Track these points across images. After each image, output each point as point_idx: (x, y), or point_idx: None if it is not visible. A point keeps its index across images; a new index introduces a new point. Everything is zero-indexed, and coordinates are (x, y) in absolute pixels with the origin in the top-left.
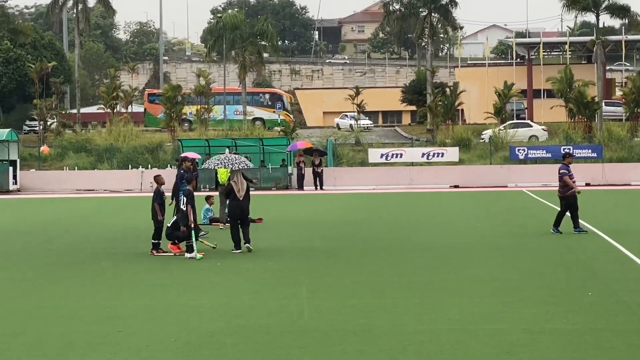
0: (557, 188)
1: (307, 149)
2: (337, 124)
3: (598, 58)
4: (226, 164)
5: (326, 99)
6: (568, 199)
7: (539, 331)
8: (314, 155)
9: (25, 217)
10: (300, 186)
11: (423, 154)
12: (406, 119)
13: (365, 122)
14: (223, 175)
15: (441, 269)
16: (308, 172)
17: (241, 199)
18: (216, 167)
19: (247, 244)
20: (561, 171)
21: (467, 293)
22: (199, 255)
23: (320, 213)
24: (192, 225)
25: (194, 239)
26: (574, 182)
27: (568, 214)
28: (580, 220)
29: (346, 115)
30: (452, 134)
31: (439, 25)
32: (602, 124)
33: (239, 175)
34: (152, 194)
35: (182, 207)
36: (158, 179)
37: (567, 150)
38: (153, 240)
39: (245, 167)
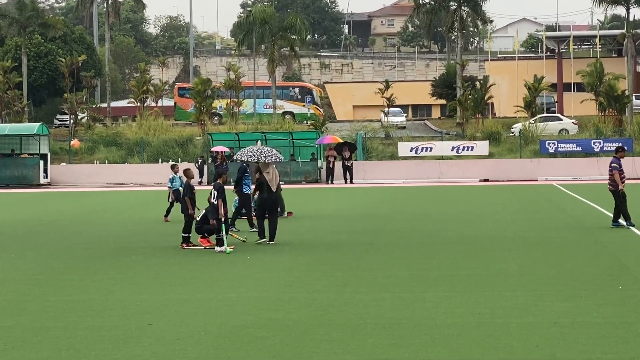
0: (587, 182)
1: (338, 144)
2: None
3: (628, 51)
4: (259, 157)
5: (356, 93)
6: (621, 193)
7: (569, 325)
8: (344, 149)
9: (55, 210)
10: (330, 180)
11: (453, 148)
12: (436, 113)
13: (398, 118)
14: None
15: (471, 263)
16: (338, 165)
17: (274, 190)
18: (249, 159)
19: (271, 241)
20: (612, 165)
21: (497, 286)
22: (228, 249)
23: (349, 206)
24: (223, 219)
25: (224, 232)
26: (623, 177)
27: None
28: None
29: (383, 111)
30: (482, 128)
31: (469, 19)
32: (632, 118)
33: (272, 167)
34: (181, 188)
35: (212, 200)
36: (187, 173)
37: (620, 144)
38: (183, 234)
39: (277, 160)
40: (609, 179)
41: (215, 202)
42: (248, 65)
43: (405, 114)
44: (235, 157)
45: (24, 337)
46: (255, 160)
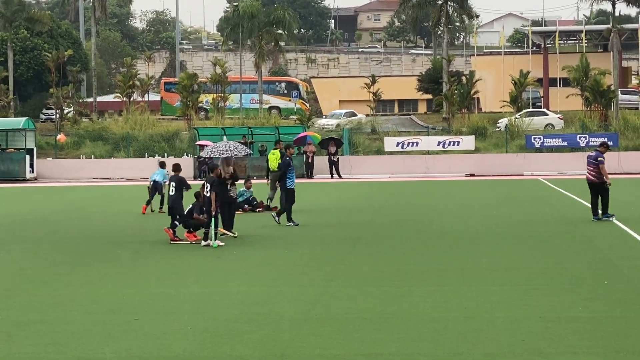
0: (573, 176)
1: (324, 139)
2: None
3: (614, 46)
4: (223, 152)
5: (342, 88)
6: (602, 186)
7: (555, 319)
8: (330, 144)
9: (41, 205)
10: (308, 175)
11: (439, 143)
12: (422, 108)
13: (333, 121)
14: (273, 163)
15: (458, 257)
16: (317, 160)
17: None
18: (215, 155)
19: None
20: (599, 158)
21: (484, 281)
22: (215, 244)
23: (336, 201)
24: (214, 213)
25: (212, 226)
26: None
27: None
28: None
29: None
30: (468, 123)
31: (455, 14)
32: (618, 113)
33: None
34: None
35: (206, 193)
36: (176, 167)
37: (605, 140)
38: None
39: (238, 154)
40: (592, 172)
41: (209, 196)
42: (234, 59)
43: (346, 116)
44: (202, 154)
45: (9, 331)
46: (222, 155)
